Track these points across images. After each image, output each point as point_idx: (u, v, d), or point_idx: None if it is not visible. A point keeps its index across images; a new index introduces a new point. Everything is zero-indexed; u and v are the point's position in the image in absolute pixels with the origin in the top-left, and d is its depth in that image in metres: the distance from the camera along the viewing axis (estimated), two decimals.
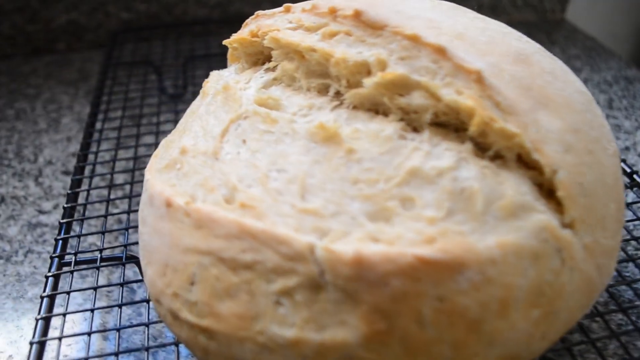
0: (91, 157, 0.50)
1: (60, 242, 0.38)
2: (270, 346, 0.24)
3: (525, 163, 0.27)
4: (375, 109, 0.28)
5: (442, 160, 0.25)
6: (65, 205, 0.42)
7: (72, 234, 0.40)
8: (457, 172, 0.25)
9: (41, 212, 0.49)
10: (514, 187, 0.26)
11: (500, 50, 0.30)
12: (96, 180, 0.49)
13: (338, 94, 0.29)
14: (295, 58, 0.30)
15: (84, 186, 0.46)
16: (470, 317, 0.23)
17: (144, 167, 0.48)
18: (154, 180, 0.31)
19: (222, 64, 0.67)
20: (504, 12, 0.88)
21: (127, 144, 0.54)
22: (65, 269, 0.37)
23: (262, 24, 0.33)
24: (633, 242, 0.43)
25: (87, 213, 0.45)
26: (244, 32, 0.33)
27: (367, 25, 0.28)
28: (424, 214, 0.24)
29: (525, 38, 0.35)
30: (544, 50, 0.34)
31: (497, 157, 0.27)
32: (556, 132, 0.28)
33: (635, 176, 0.45)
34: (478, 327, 0.24)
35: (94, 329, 0.36)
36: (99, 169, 0.51)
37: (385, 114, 0.28)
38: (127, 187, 0.51)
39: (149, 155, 0.49)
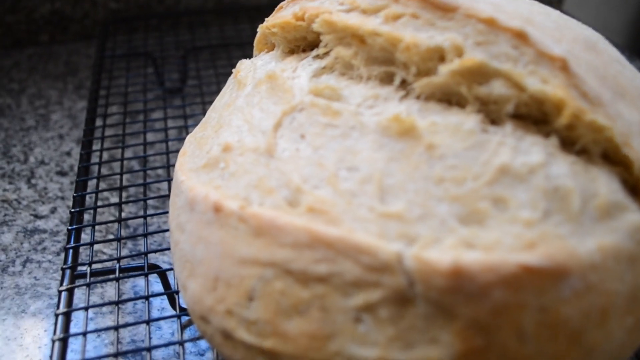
0: (94, 157, 0.46)
1: (71, 251, 0.34)
2: None
3: (609, 158, 0.25)
4: (447, 99, 0.25)
5: (531, 155, 0.23)
6: (73, 210, 0.38)
7: (81, 241, 0.36)
8: (548, 169, 0.23)
9: (37, 216, 0.45)
10: (606, 184, 0.23)
11: (569, 36, 0.28)
12: (102, 182, 0.45)
13: (404, 83, 0.26)
14: (353, 43, 0.27)
15: (89, 188, 0.42)
16: (572, 328, 0.21)
17: (155, 167, 0.44)
18: (191, 182, 0.27)
19: (226, 56, 0.63)
20: None
21: (131, 142, 0.50)
22: (79, 281, 0.33)
23: (306, 7, 0.29)
24: None
25: (97, 218, 0.41)
26: (286, 15, 0.30)
27: (436, 7, 0.26)
28: (520, 216, 0.22)
29: (582, 24, 0.33)
30: (604, 38, 0.32)
31: (582, 152, 0.25)
32: (638, 125, 0.26)
33: None
34: (579, 338, 0.21)
35: (120, 348, 0.32)
36: (104, 170, 0.46)
37: (460, 105, 0.25)
38: (132, 189, 0.47)
39: (159, 154, 0.45)
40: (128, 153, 0.49)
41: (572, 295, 0.21)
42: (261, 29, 0.32)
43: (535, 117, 0.25)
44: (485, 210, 0.22)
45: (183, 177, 0.28)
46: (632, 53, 0.88)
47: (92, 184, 0.44)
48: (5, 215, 0.45)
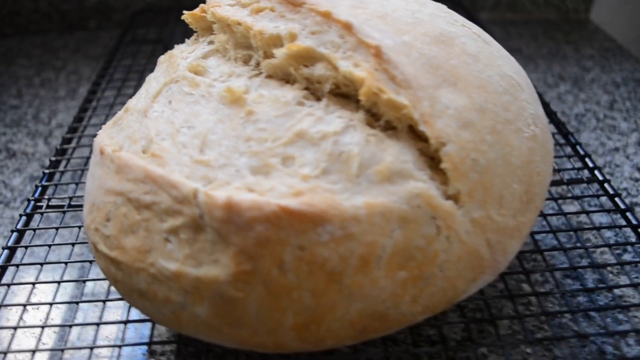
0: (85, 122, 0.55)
1: (40, 188, 0.43)
2: (159, 277, 0.28)
3: (418, 135, 0.29)
4: (287, 79, 0.31)
5: (331, 125, 0.28)
6: (52, 159, 0.47)
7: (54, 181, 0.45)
8: (340, 137, 0.27)
9: (43, 166, 0.55)
10: (395, 154, 0.27)
11: (422, 30, 0.32)
12: (84, 141, 0.54)
13: (258, 64, 0.32)
14: (227, 31, 0.33)
15: (74, 143, 0.52)
16: (330, 269, 0.26)
17: None
18: (100, 133, 0.35)
19: None
20: (523, 9, 0.87)
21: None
22: (37, 211, 0.42)
23: (212, 1, 0.36)
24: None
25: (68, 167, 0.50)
26: (197, 9, 0.37)
27: (288, 2, 0.31)
28: (300, 171, 0.26)
29: (467, 24, 0.36)
30: (479, 37, 0.35)
31: (390, 128, 0.29)
32: (456, 109, 0.29)
33: (596, 172, 0.44)
34: (338, 279, 0.26)
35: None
36: (90, 130, 0.56)
37: (294, 83, 0.30)
38: None
39: None
40: None
41: (331, 240, 0.25)
42: (183, 17, 0.39)
43: (355, 96, 0.29)
44: (273, 165, 0.27)
45: (100, 131, 0.36)
46: None
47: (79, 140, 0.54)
48: (20, 163, 0.56)
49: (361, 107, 0.29)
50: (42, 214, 0.41)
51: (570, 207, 0.47)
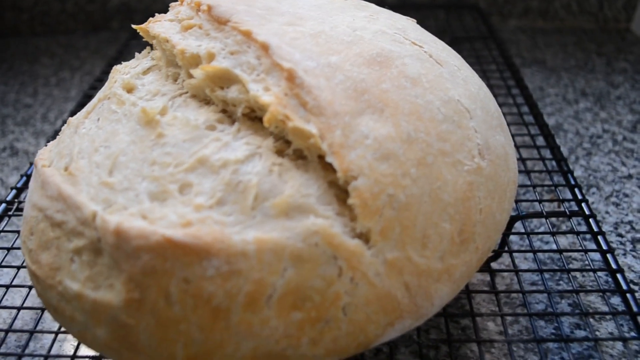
0: None
1: (15, 191, 0.45)
2: (65, 296, 0.28)
3: (330, 166, 0.27)
4: (208, 99, 0.30)
5: (235, 152, 0.26)
6: (32, 162, 0.49)
7: None
8: (242, 166, 0.26)
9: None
10: (297, 187, 0.26)
11: (356, 50, 0.30)
12: None
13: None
14: (161, 48, 0.32)
15: None
16: (216, 304, 0.24)
17: None
18: (48, 145, 0.35)
19: None
20: (555, 17, 0.81)
21: None
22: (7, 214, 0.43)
23: (158, 15, 0.35)
24: None
25: None
26: (147, 22, 0.36)
27: (214, 19, 0.30)
28: (195, 200, 0.25)
29: (426, 41, 0.33)
30: (430, 57, 0.32)
31: (301, 157, 0.27)
32: (375, 139, 0.27)
33: (583, 204, 0.40)
34: (224, 316, 0.25)
35: None
36: None
37: (213, 105, 0.29)
38: None
39: None
40: None
41: (217, 274, 0.24)
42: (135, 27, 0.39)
43: None
44: (171, 192, 0.26)
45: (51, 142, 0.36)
46: None
47: None
48: (20, 162, 0.59)
49: (271, 134, 0.27)
50: (9, 216, 0.43)
51: (557, 240, 0.43)
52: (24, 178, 0.47)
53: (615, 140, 0.57)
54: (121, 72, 0.34)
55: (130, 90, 0.32)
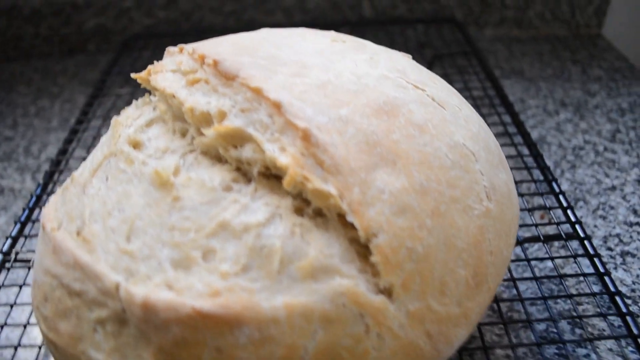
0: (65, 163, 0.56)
1: (10, 240, 0.44)
2: None
3: (350, 223, 0.27)
4: (220, 156, 0.30)
5: (255, 215, 0.27)
6: (25, 207, 0.48)
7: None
8: (264, 229, 0.26)
9: None
10: (320, 248, 0.26)
11: (363, 100, 0.30)
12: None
13: (194, 138, 0.31)
14: (166, 101, 0.32)
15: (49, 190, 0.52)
16: None
17: None
18: (51, 200, 0.35)
19: None
20: (530, 25, 0.83)
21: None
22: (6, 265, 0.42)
23: (157, 63, 0.35)
24: None
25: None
26: (145, 70, 0.36)
27: (221, 74, 0.30)
28: (220, 268, 0.26)
29: (425, 82, 0.34)
30: (433, 100, 0.33)
31: (320, 215, 0.28)
32: (392, 193, 0.27)
33: (577, 226, 0.42)
34: None
35: None
36: (67, 174, 0.56)
37: (227, 162, 0.29)
38: None
39: None
40: None
41: (249, 342, 0.25)
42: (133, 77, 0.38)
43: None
44: (194, 259, 0.26)
45: (54, 195, 0.36)
46: None
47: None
48: (7, 201, 0.57)
49: (288, 193, 0.27)
50: (8, 269, 0.42)
51: (547, 265, 0.45)
52: (18, 225, 0.46)
53: (597, 152, 0.59)
54: (124, 125, 0.34)
55: (136, 146, 0.32)
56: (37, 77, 0.80)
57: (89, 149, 0.56)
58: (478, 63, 0.65)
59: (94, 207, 0.30)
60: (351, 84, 0.31)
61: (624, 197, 0.53)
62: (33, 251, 0.44)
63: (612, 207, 0.52)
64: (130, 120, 0.34)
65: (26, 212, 0.47)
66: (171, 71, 0.33)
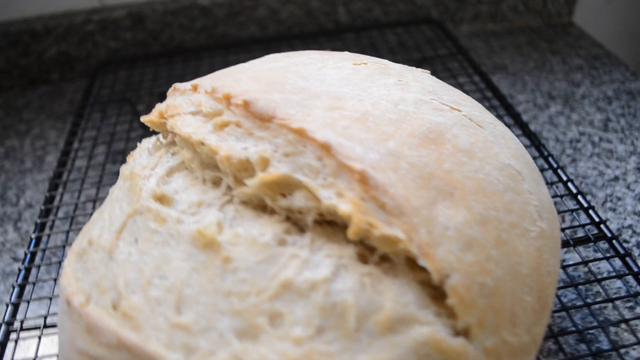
0: (61, 197, 0.52)
1: (11, 307, 0.40)
2: None
3: (417, 265, 0.26)
4: (264, 205, 0.27)
5: (319, 270, 0.25)
6: (20, 267, 0.43)
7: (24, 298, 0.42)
8: (331, 285, 0.24)
9: (15, 259, 0.52)
10: (395, 297, 0.24)
11: (407, 130, 0.29)
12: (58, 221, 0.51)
13: (230, 187, 0.28)
14: (191, 148, 0.29)
15: (42, 244, 0.48)
16: None
17: None
18: (67, 267, 0.31)
19: None
20: (504, 19, 0.83)
21: (95, 184, 0.56)
22: (12, 336, 0.38)
23: (170, 104, 0.32)
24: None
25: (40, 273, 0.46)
26: (156, 110, 0.33)
27: (255, 116, 0.28)
28: (291, 333, 0.23)
29: (454, 103, 0.33)
30: (471, 121, 0.32)
31: (386, 260, 0.26)
32: (455, 229, 0.26)
33: (602, 226, 0.42)
34: None
35: None
36: (59, 224, 0.52)
37: (273, 211, 0.27)
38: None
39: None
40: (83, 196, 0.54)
41: None
42: (143, 121, 0.35)
43: (342, 222, 0.26)
44: (261, 326, 0.24)
45: (66, 260, 0.32)
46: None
47: (59, 224, 0.50)
48: None
49: (351, 241, 0.26)
50: (15, 341, 0.38)
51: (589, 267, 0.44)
52: (17, 289, 0.41)
53: (593, 143, 0.60)
54: (141, 177, 0.31)
55: (164, 201, 0.29)
56: (0, 114, 0.74)
57: (79, 193, 0.52)
58: (469, 64, 0.65)
59: (129, 275, 0.27)
60: (390, 112, 0.30)
61: (628, 187, 0.53)
62: (40, 317, 0.40)
63: (619, 199, 0.52)
64: (147, 171, 0.31)
65: (22, 272, 0.43)
66: (190, 114, 0.30)
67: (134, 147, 0.60)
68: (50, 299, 0.41)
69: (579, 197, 0.45)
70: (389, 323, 0.24)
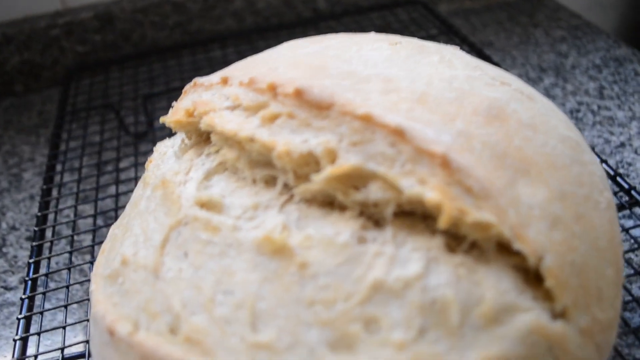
0: (51, 216, 0.47)
1: (19, 342, 0.35)
2: None
3: (507, 248, 0.24)
4: (330, 201, 0.25)
5: (409, 265, 0.22)
6: (23, 297, 0.39)
7: (32, 330, 0.37)
8: (426, 280, 0.22)
9: (7, 288, 0.47)
10: (493, 285, 0.22)
11: (469, 108, 0.27)
12: (58, 250, 0.46)
13: (287, 185, 0.25)
14: (235, 146, 0.26)
15: (44, 268, 0.43)
16: None
17: (110, 224, 0.45)
18: (97, 293, 0.27)
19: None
20: None
21: (89, 199, 0.51)
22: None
23: (198, 101, 0.29)
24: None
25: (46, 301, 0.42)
26: (180, 109, 0.29)
27: (311, 105, 0.25)
28: (392, 338, 0.21)
29: (500, 77, 0.31)
30: (522, 94, 0.30)
31: (474, 247, 0.24)
32: (540, 207, 0.24)
33: (633, 192, 0.42)
34: None
35: None
36: (61, 230, 0.47)
37: (343, 207, 0.24)
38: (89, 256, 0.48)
39: (113, 210, 0.46)
40: (86, 209, 0.50)
41: None
42: (163, 121, 0.32)
43: (423, 212, 0.24)
44: (355, 334, 0.21)
45: (94, 285, 0.28)
46: (619, 37, 0.82)
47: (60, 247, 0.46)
48: None
49: (438, 230, 0.23)
50: None
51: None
52: (23, 321, 0.37)
53: (592, 112, 0.60)
54: (176, 183, 0.27)
55: (211, 207, 0.26)
56: None
57: (75, 210, 0.47)
58: (463, 42, 0.64)
59: (184, 294, 0.24)
60: (447, 91, 0.27)
61: (636, 152, 0.54)
62: (57, 350, 0.36)
63: (629, 164, 0.52)
64: (180, 176, 0.28)
65: (26, 302, 0.38)
66: (227, 109, 0.27)
67: (127, 156, 0.57)
68: (64, 328, 0.37)
69: (603, 165, 0.44)
70: (493, 314, 0.22)
